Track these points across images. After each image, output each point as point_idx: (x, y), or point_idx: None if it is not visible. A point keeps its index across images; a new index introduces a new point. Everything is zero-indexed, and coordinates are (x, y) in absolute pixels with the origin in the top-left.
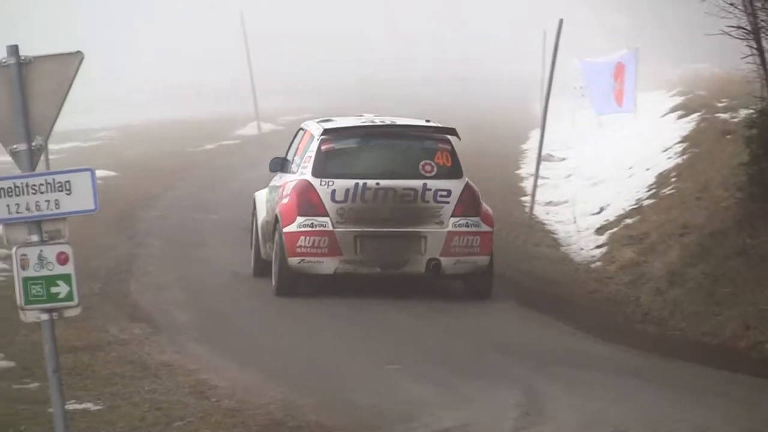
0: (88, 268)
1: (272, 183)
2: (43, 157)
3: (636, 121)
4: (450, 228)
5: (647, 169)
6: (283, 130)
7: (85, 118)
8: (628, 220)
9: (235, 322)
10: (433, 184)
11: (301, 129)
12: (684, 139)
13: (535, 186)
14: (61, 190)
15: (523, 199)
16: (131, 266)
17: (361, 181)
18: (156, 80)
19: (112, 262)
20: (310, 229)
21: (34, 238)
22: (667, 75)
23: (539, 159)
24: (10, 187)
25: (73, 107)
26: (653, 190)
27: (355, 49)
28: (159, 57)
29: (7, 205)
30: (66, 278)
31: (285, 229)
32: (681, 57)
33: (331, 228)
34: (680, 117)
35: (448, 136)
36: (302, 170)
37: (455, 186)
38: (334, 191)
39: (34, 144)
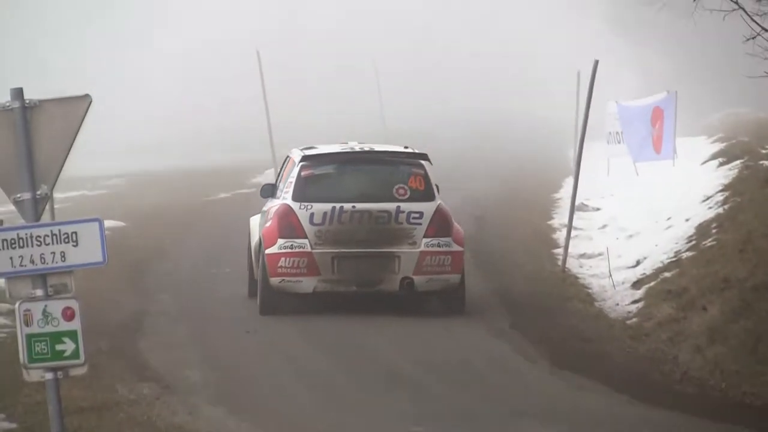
0: (96, 325)
1: (263, 208)
2: (48, 207)
3: (675, 169)
4: (422, 248)
5: (686, 220)
6: None
7: (92, 164)
8: (666, 274)
9: (251, 382)
10: (406, 206)
11: (288, 156)
12: (726, 188)
13: (568, 238)
14: (68, 242)
15: (556, 251)
16: (141, 323)
17: (338, 205)
18: (168, 124)
19: (121, 317)
20: (290, 250)
21: (39, 292)
22: (707, 120)
23: (572, 209)
24: (13, 239)
25: (80, 152)
26: (693, 242)
27: (374, 91)
28: (170, 100)
29: (11, 258)
30: (72, 335)
31: (267, 251)
32: (722, 100)
33: (309, 249)
34: (721, 164)
35: (422, 161)
36: (284, 195)
37: (427, 208)
38: (312, 214)
39: (39, 193)
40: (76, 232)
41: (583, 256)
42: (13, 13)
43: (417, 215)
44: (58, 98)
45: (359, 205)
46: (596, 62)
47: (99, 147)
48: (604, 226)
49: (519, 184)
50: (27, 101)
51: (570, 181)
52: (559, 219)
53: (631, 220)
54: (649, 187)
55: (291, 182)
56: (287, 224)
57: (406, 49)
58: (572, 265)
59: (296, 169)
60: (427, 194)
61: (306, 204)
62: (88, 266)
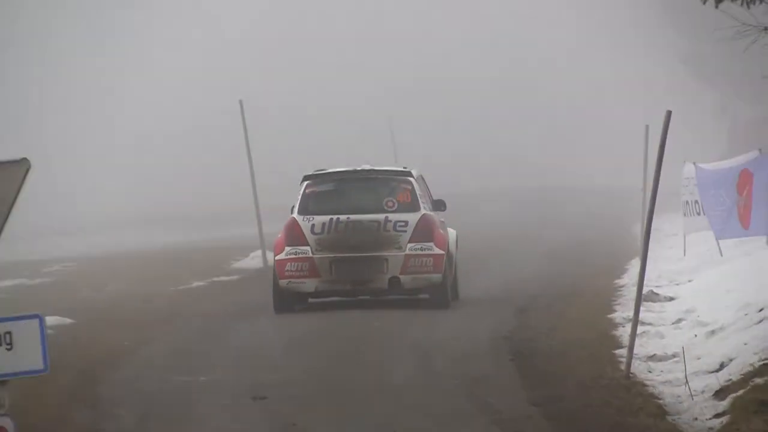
0: None
1: None
2: None
3: None
4: (407, 252)
5: None
6: None
7: (31, 245)
8: (758, 380)
9: None
10: (394, 216)
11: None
12: None
13: (633, 335)
14: (0, 345)
15: (618, 352)
16: None
17: (335, 216)
18: (131, 196)
19: None
20: (294, 256)
21: None
22: None
23: (639, 299)
24: None
25: (17, 231)
26: None
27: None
28: (142, 168)
29: None
30: None
31: (276, 257)
32: None
33: (311, 255)
34: None
35: (409, 178)
36: (294, 210)
37: (412, 218)
38: (313, 225)
39: None
40: (10, 333)
41: (652, 358)
42: None
43: (402, 224)
44: None
45: (353, 216)
46: (668, 114)
47: (43, 225)
48: (679, 321)
49: (572, 267)
50: None
51: (636, 263)
52: (623, 311)
53: (714, 312)
54: (736, 271)
55: (298, 198)
56: (292, 234)
57: (435, 112)
58: (639, 369)
59: (302, 188)
60: (413, 206)
61: (309, 216)
62: (26, 375)
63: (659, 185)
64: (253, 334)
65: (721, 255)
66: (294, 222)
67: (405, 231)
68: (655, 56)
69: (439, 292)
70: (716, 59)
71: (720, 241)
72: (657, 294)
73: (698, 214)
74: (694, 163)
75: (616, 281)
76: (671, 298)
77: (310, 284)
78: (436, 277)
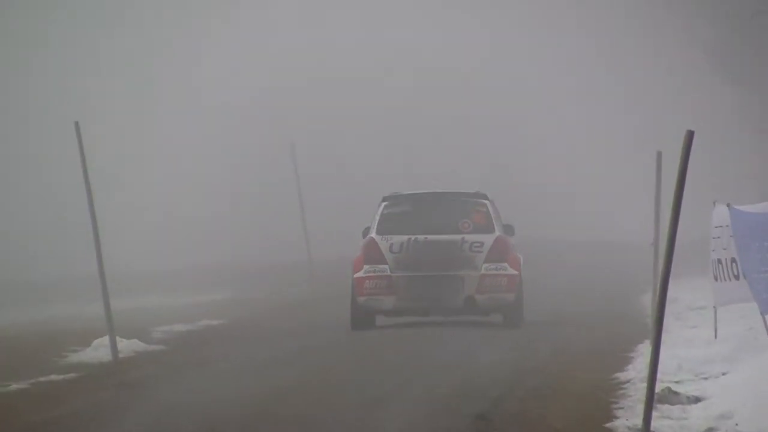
0: None
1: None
2: None
3: None
4: (482, 272)
5: None
6: (158, 351)
7: None
8: None
9: None
10: (469, 237)
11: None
12: None
13: None
14: None
15: None
16: None
17: (412, 236)
18: None
19: None
20: (373, 274)
21: None
22: None
23: (650, 401)
24: None
25: None
26: None
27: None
28: None
29: None
30: None
31: (355, 275)
32: None
33: (389, 273)
34: None
35: (483, 201)
36: (372, 230)
37: (487, 239)
38: (392, 244)
39: None
40: None
41: None
42: None
43: (478, 245)
44: None
45: (430, 237)
46: (690, 134)
47: None
48: (711, 431)
49: (554, 356)
50: None
51: (646, 350)
52: (628, 418)
53: (761, 419)
54: None
55: (376, 219)
56: (371, 253)
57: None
58: None
59: (380, 208)
60: (488, 227)
61: (387, 236)
62: None
63: (677, 235)
64: None
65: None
66: (372, 241)
67: (481, 251)
68: (669, 53)
69: (512, 313)
70: (760, 55)
71: (767, 317)
72: (677, 393)
73: (735, 277)
74: (728, 205)
75: (617, 375)
76: (697, 399)
77: (388, 301)
78: (510, 296)
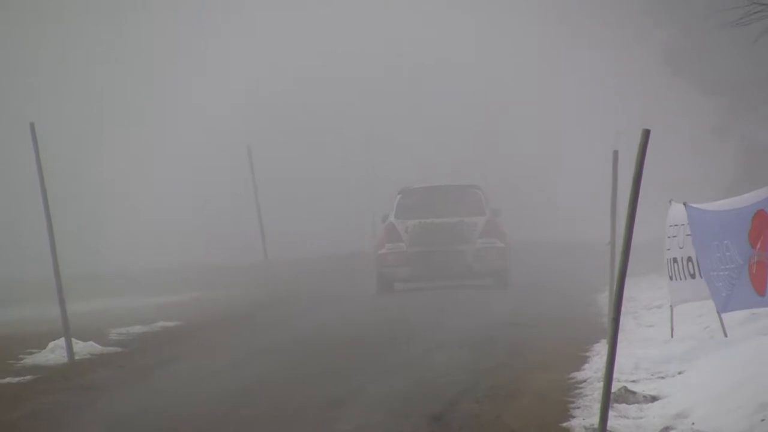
0: None
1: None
2: None
3: None
4: (478, 246)
5: None
6: (114, 354)
7: None
8: None
9: None
10: (467, 219)
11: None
12: None
13: None
14: None
15: None
16: None
17: (423, 219)
18: None
19: None
20: (393, 250)
21: None
22: None
23: (606, 400)
24: None
25: None
26: None
27: None
28: None
29: None
30: None
31: (378, 252)
32: None
33: (405, 249)
34: None
35: (477, 190)
36: (391, 216)
37: (480, 220)
38: (407, 227)
39: None
40: None
41: None
42: None
43: (474, 224)
44: None
45: (436, 220)
46: (646, 133)
47: None
48: (667, 430)
49: (509, 357)
50: None
51: (602, 349)
52: (585, 418)
53: (717, 417)
54: (746, 358)
55: (394, 207)
56: (391, 234)
57: None
58: None
59: (397, 199)
60: (481, 211)
61: (403, 220)
62: None
63: (633, 234)
64: None
65: (726, 335)
66: (392, 225)
67: (476, 230)
68: (629, 56)
69: (501, 276)
70: (713, 55)
71: (724, 316)
72: (633, 392)
73: (692, 276)
74: (685, 204)
75: (574, 374)
76: (654, 398)
77: (404, 271)
78: (501, 263)
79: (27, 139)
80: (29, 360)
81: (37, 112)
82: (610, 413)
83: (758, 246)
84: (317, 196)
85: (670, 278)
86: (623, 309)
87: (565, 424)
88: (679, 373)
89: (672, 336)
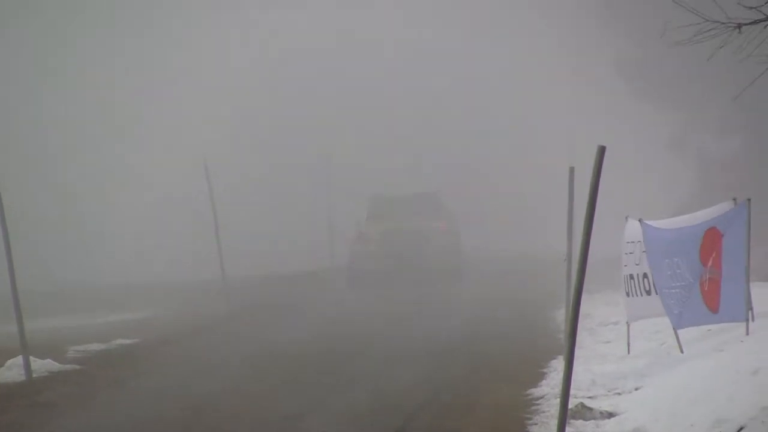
0: None
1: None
2: None
3: (750, 340)
4: (435, 246)
5: None
6: (72, 371)
7: None
8: None
9: None
10: (427, 223)
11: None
12: None
13: None
14: None
15: None
16: None
17: (389, 223)
18: None
19: None
20: (363, 249)
21: None
22: None
23: (563, 417)
24: None
25: None
26: None
27: None
28: None
29: None
30: None
31: (351, 249)
32: None
33: (374, 249)
34: None
35: (435, 198)
36: (363, 220)
37: (439, 223)
38: (376, 231)
39: None
40: None
41: None
42: None
43: (433, 227)
44: None
45: (402, 224)
46: (601, 150)
47: None
48: None
49: (467, 371)
50: None
51: (559, 365)
52: None
53: None
54: (702, 374)
55: (365, 213)
56: (362, 235)
57: None
58: None
59: (367, 207)
60: (439, 215)
61: (372, 223)
62: None
63: (589, 250)
64: None
65: (682, 351)
66: (362, 230)
67: (435, 232)
68: (584, 68)
69: (456, 270)
70: (669, 71)
71: (679, 332)
72: (590, 408)
73: (648, 292)
74: (640, 220)
75: (531, 391)
76: (611, 414)
77: (374, 268)
78: (456, 261)
79: None
80: None
81: None
82: (567, 429)
83: (710, 263)
84: (276, 210)
85: (627, 294)
86: (580, 325)
87: None
88: (636, 389)
89: (628, 352)
